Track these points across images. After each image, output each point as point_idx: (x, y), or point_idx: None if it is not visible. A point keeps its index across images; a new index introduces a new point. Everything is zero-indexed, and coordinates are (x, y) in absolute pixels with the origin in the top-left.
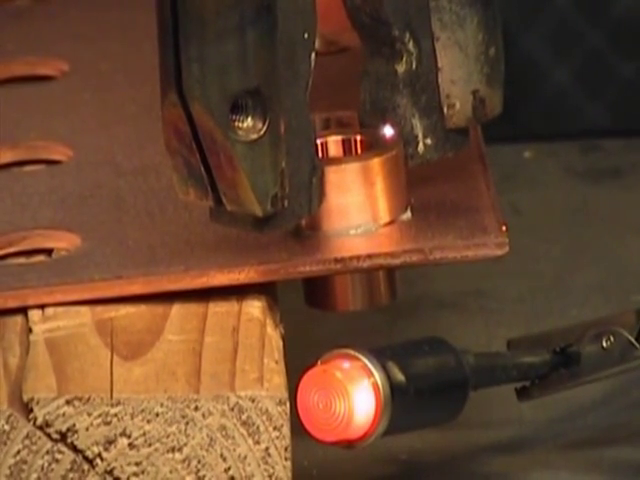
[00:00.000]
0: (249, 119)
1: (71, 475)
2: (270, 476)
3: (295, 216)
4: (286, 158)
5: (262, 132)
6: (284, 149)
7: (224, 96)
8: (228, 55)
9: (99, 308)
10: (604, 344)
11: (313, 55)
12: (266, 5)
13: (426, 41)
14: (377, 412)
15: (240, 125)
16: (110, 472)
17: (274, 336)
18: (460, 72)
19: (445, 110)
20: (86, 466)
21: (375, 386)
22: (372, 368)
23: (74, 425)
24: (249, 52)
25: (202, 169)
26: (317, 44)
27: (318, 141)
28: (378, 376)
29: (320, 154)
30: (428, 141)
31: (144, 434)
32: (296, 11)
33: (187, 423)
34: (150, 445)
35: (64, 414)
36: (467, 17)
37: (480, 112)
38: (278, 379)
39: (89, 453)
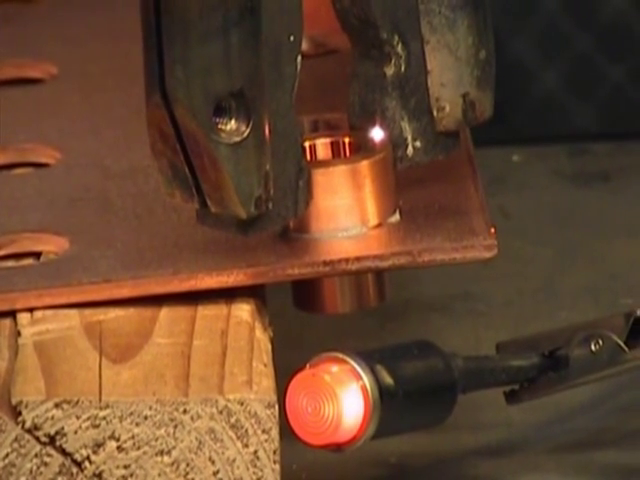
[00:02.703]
0: (232, 121)
1: (60, 478)
2: (259, 479)
3: (281, 218)
4: (271, 161)
5: (245, 134)
6: (269, 152)
7: (207, 98)
8: (211, 57)
9: (88, 311)
10: (593, 347)
11: (299, 57)
12: (249, 7)
13: (415, 44)
14: (366, 415)
15: (223, 127)
16: (99, 475)
17: (263, 339)
18: (450, 75)
19: (435, 113)
20: (75, 469)
21: (364, 389)
22: (361, 371)
23: (63, 428)
24: (233, 54)
25: (187, 171)
26: (305, 46)
27: (306, 143)
28: (367, 379)
29: (308, 156)
30: (417, 144)
31: (133, 437)
32: (281, 13)
33: (176, 426)
34: (139, 448)
35: (53, 417)
36: (457, 20)
37: (470, 115)
38: (267, 382)
39: (78, 456)
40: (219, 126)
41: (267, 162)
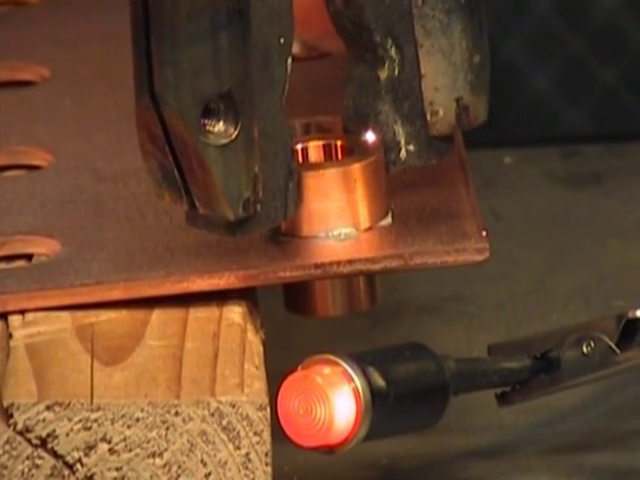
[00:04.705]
0: (221, 123)
1: None
2: None
3: (270, 221)
4: (260, 163)
5: (234, 136)
6: (257, 154)
7: (195, 100)
8: (200, 59)
9: (79, 313)
10: (584, 349)
11: (289, 60)
12: (238, 10)
13: (409, 48)
14: (357, 417)
15: (211, 129)
16: (90, 477)
17: (254, 341)
18: (444, 79)
19: (428, 117)
20: (66, 472)
21: (355, 391)
22: (352, 373)
23: (54, 430)
24: (221, 56)
25: (176, 172)
26: (297, 50)
27: (298, 146)
28: (358, 381)
29: (300, 159)
30: (411, 148)
31: (124, 439)
32: (271, 16)
33: (167, 428)
34: (130, 450)
35: (44, 419)
36: (451, 24)
37: (464, 120)
38: (259, 384)
39: (69, 458)
40: (207, 128)
41: (256, 164)
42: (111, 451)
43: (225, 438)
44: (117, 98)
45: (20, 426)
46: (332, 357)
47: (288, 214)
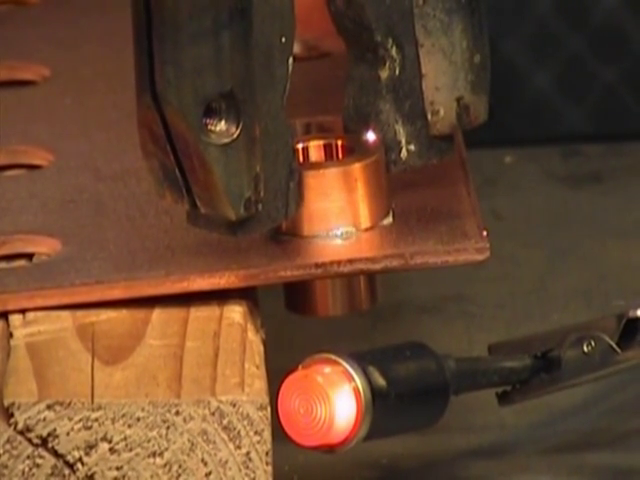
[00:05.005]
0: (222, 122)
1: None
2: None
3: (271, 220)
4: (261, 162)
5: (235, 136)
6: (259, 153)
7: (197, 99)
8: (202, 58)
9: (80, 313)
10: (585, 349)
11: (291, 59)
12: (240, 9)
13: (409, 47)
14: (358, 417)
15: (213, 128)
16: (91, 477)
17: (255, 341)
18: (444, 79)
19: (429, 117)
20: (67, 471)
21: (356, 391)
22: (353, 373)
23: (55, 430)
24: (223, 55)
25: (177, 172)
26: (298, 49)
27: (299, 146)
28: (359, 381)
29: (301, 159)
30: (412, 147)
31: (125, 439)
32: (273, 15)
33: (168, 428)
34: (131, 450)
35: (45, 419)
36: (452, 24)
37: (464, 119)
38: (259, 384)
39: (70, 458)
40: (209, 127)
41: (257, 164)
42: (112, 450)
43: (226, 437)
44: (117, 98)
45: (21, 425)
46: (332, 356)
47: (289, 213)
